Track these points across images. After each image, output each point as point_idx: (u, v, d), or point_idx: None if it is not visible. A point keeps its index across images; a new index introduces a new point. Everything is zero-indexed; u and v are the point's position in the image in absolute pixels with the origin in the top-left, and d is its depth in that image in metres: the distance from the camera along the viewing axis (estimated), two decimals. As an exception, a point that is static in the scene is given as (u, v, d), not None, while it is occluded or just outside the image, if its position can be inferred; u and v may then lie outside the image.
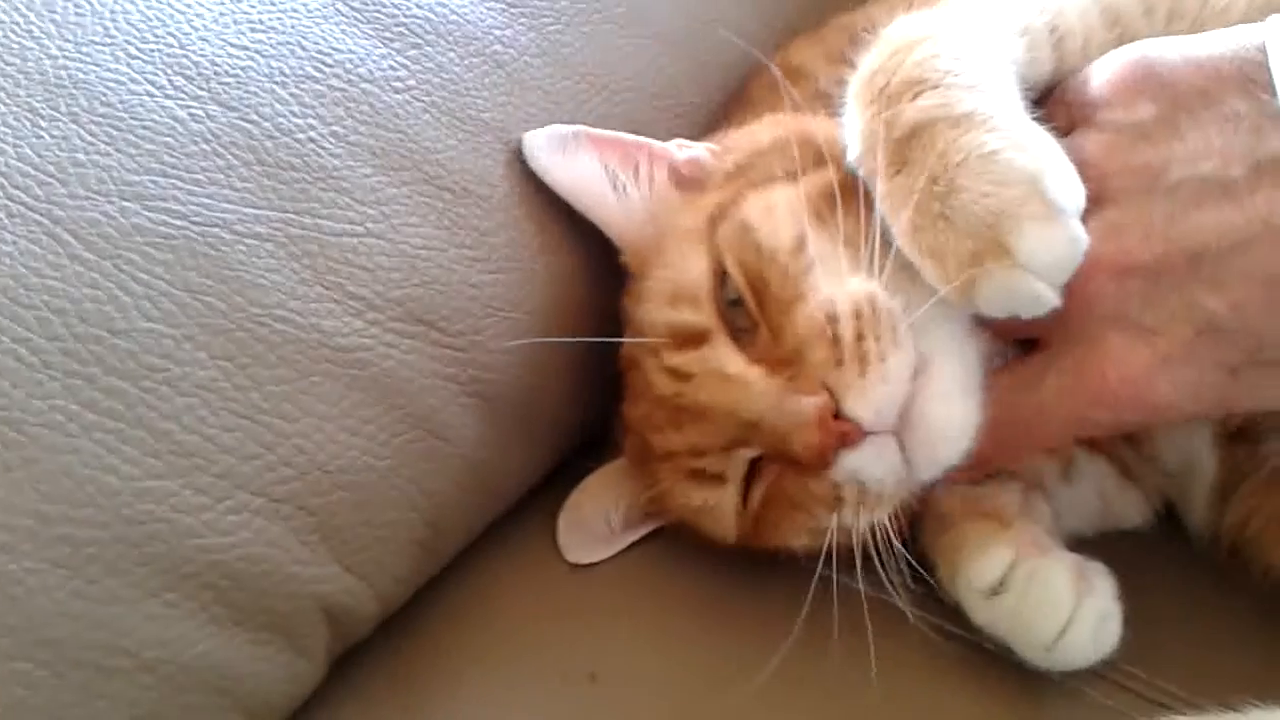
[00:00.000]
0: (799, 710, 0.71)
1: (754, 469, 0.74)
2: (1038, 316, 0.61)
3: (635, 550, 0.84)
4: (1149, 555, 0.83)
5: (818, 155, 0.73)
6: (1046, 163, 0.59)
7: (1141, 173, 0.62)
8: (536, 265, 0.79)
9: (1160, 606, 0.77)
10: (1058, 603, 0.70)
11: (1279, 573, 0.78)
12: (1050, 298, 0.59)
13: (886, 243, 0.66)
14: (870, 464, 0.67)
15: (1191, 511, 0.84)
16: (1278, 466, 0.78)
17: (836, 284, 0.68)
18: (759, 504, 0.74)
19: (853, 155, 0.66)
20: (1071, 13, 0.72)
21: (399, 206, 0.71)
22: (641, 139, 0.81)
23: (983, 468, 0.73)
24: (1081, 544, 0.77)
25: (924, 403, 0.67)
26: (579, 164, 0.80)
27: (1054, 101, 0.70)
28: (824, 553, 0.71)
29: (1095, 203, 0.63)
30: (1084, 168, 0.63)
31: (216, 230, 0.64)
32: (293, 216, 0.67)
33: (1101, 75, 0.66)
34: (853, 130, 0.67)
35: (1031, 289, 0.59)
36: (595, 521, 0.83)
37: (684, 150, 0.83)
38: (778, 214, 0.71)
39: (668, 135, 0.85)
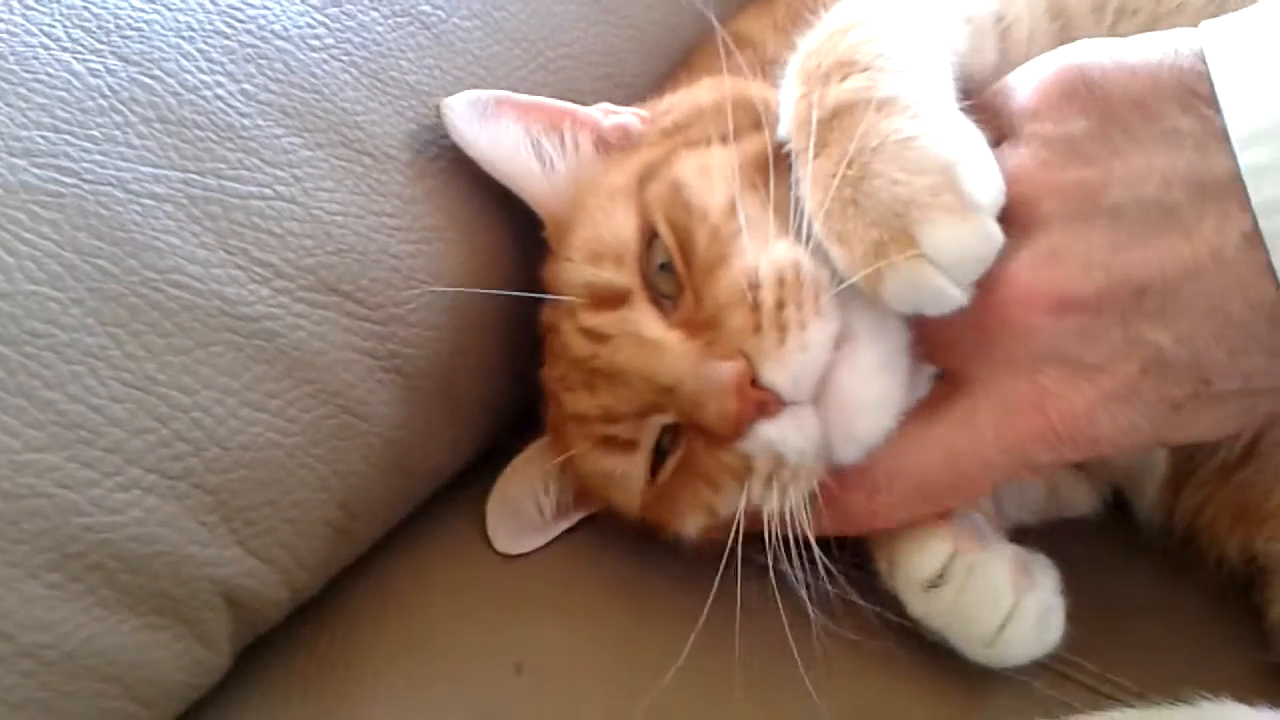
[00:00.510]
0: (726, 702, 0.68)
1: (670, 441, 0.71)
2: (944, 313, 0.59)
3: (566, 539, 0.80)
4: (1096, 545, 0.81)
5: (755, 120, 0.70)
6: (964, 153, 0.57)
7: (1076, 193, 0.57)
8: (463, 237, 0.75)
9: (1108, 597, 0.75)
10: (997, 597, 0.67)
11: (1232, 562, 0.76)
12: (956, 295, 0.57)
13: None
14: (788, 435, 0.64)
15: (1142, 501, 0.81)
16: (1228, 458, 0.76)
17: (762, 250, 0.65)
18: (667, 476, 0.71)
19: (782, 132, 0.65)
20: (1019, 1, 0.70)
21: (313, 170, 0.68)
22: (566, 104, 0.78)
23: (922, 517, 0.70)
24: (1025, 534, 0.75)
25: (844, 375, 0.64)
26: (501, 132, 0.76)
27: (983, 106, 0.67)
28: (731, 537, 0.67)
29: (1026, 226, 0.59)
30: (1013, 184, 0.59)
31: (110, 189, 0.60)
32: (195, 177, 0.63)
33: (1029, 82, 0.61)
34: (785, 108, 0.65)
35: (936, 284, 0.56)
36: (524, 506, 0.79)
37: (610, 116, 0.79)
38: (711, 175, 0.69)
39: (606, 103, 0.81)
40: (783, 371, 0.63)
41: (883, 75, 0.60)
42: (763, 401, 0.63)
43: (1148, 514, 0.81)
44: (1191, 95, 0.56)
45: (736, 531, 0.67)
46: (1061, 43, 0.64)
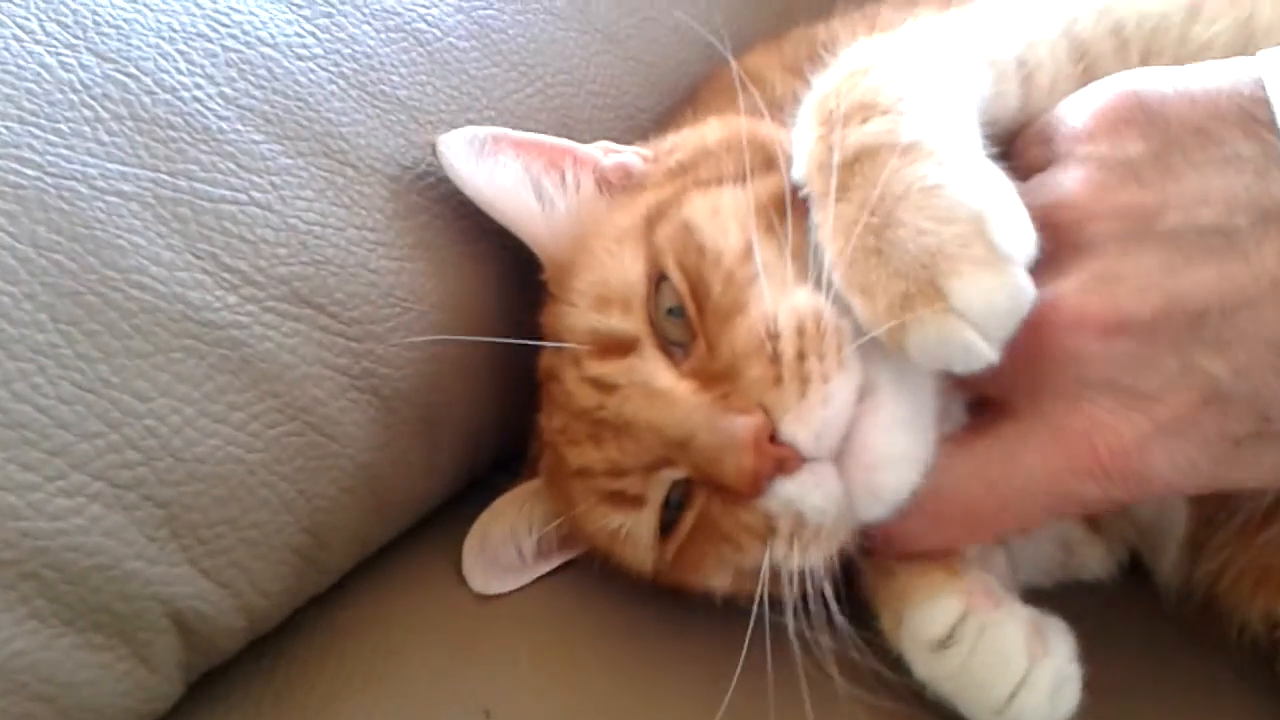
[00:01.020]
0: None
1: (682, 496, 0.67)
2: (976, 371, 0.55)
3: (547, 580, 0.76)
4: (1111, 609, 0.77)
5: (769, 160, 0.67)
6: (995, 203, 0.54)
7: (1131, 215, 0.56)
8: (448, 256, 0.72)
9: (1122, 664, 0.69)
10: (1010, 662, 0.63)
11: (1253, 630, 0.71)
12: (985, 352, 0.53)
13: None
14: (808, 493, 0.60)
15: (1161, 564, 0.77)
16: (1251, 517, 0.71)
17: (781, 297, 0.62)
18: (684, 535, 0.67)
19: (798, 175, 0.62)
20: (1042, 46, 0.67)
21: (291, 178, 0.65)
22: (566, 142, 0.75)
23: (953, 549, 0.66)
24: (1039, 597, 0.70)
25: (868, 431, 0.60)
26: (499, 170, 0.72)
27: (1022, 140, 0.64)
28: (757, 597, 0.63)
29: (1075, 249, 0.57)
30: (1062, 208, 0.57)
31: (74, 184, 0.58)
32: (165, 177, 0.61)
33: (1084, 107, 0.60)
34: (800, 151, 0.62)
35: (965, 340, 0.53)
36: (504, 548, 0.75)
37: (610, 155, 0.76)
38: (724, 216, 0.65)
39: (606, 136, 0.79)
40: (804, 427, 0.59)
41: (906, 119, 0.57)
42: (782, 458, 0.59)
43: (1166, 578, 0.76)
44: (1252, 120, 0.54)
45: (760, 594, 0.63)
46: (1085, 84, 0.62)
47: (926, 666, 0.65)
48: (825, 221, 0.58)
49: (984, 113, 0.63)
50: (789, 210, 0.64)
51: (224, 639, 0.63)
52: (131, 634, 0.58)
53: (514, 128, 0.75)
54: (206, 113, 0.64)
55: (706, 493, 0.65)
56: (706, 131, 0.77)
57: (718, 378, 0.62)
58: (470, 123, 0.74)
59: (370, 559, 0.74)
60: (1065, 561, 0.79)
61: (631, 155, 0.76)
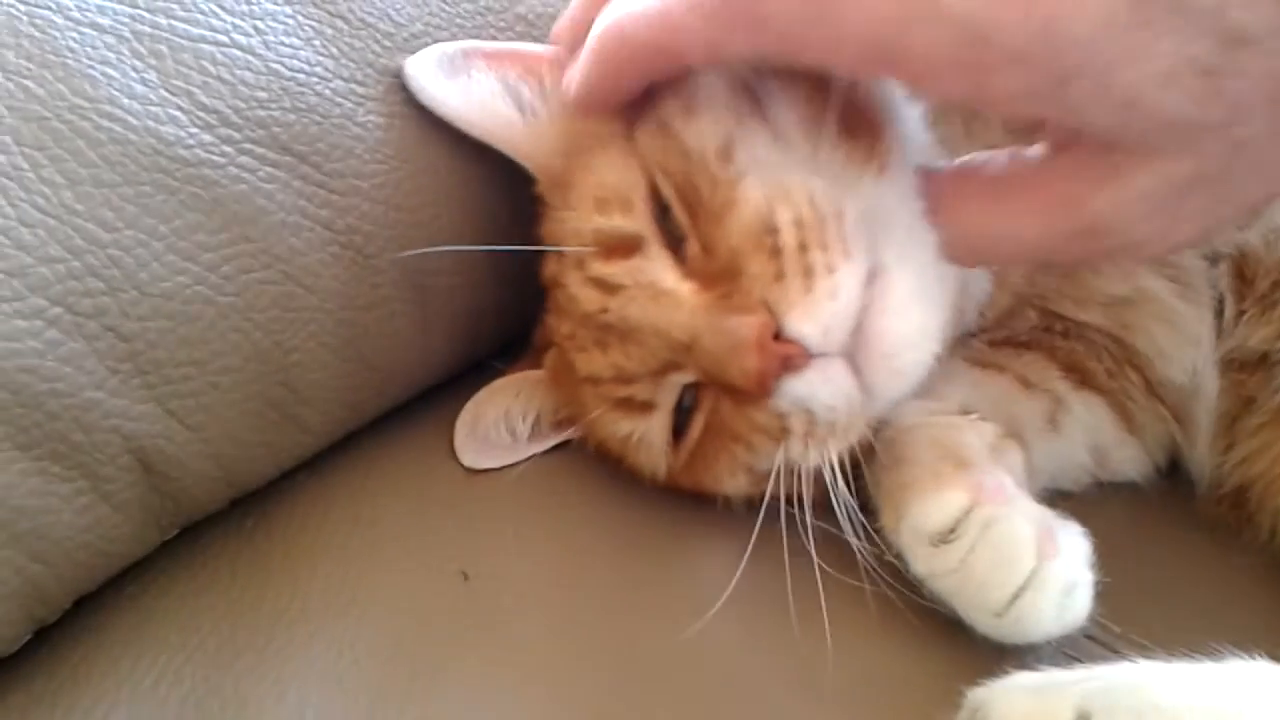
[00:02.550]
0: (670, 633, 0.61)
1: (693, 399, 0.65)
2: None
3: (543, 459, 0.75)
4: (1136, 519, 0.73)
5: None
6: None
7: None
8: (441, 122, 0.70)
9: (1143, 566, 0.66)
10: (1014, 559, 0.58)
11: None
12: None
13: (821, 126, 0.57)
14: (819, 390, 0.58)
15: (1196, 449, 0.72)
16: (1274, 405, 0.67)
17: (774, 183, 0.58)
18: (696, 437, 0.65)
19: None
20: None
21: (276, 24, 0.64)
22: (542, 48, 0.71)
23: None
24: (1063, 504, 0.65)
25: (879, 317, 0.57)
26: (474, 86, 0.69)
27: None
28: (769, 495, 0.61)
29: None
30: None
31: (48, 13, 0.58)
32: (144, 14, 0.60)
33: None
34: None
35: None
36: (496, 429, 0.74)
37: None
38: (699, 110, 0.61)
39: None
40: (811, 322, 0.56)
41: None
42: (787, 356, 0.57)
43: (1201, 465, 0.71)
44: None
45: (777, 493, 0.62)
46: None
47: (925, 561, 0.61)
48: None
49: None
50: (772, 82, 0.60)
51: (197, 487, 0.62)
52: (91, 467, 0.57)
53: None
54: (192, -46, 0.62)
55: (716, 394, 0.63)
56: None
57: (719, 277, 0.59)
58: (469, -22, 0.71)
59: (362, 431, 0.73)
60: (1098, 465, 0.75)
61: None
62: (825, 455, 0.60)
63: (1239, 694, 0.51)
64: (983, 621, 0.59)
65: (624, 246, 0.62)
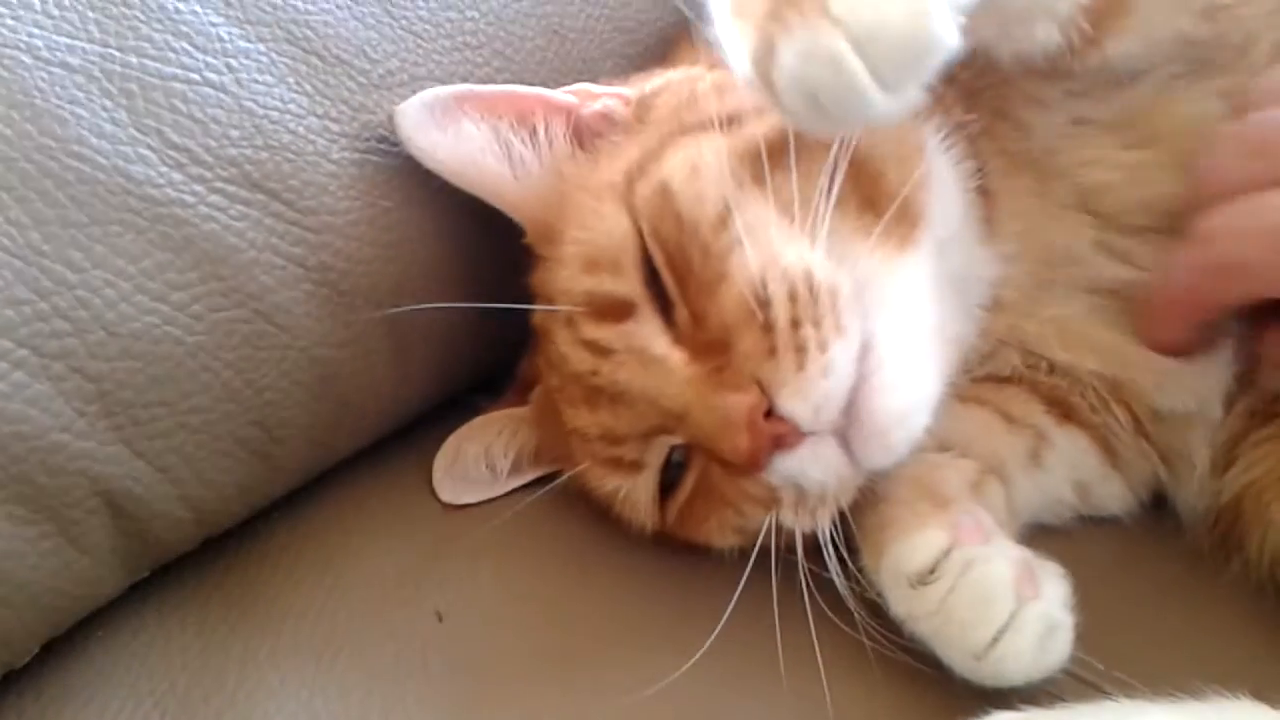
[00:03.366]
0: (655, 679, 0.59)
1: (683, 455, 0.64)
2: (855, 120, 0.45)
3: (521, 494, 0.74)
4: (1119, 552, 0.72)
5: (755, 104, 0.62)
6: None
7: None
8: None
9: (1125, 599, 0.66)
10: (994, 601, 0.57)
11: (1274, 541, 0.65)
12: (868, 89, 0.42)
13: (827, 196, 0.56)
14: (809, 468, 0.57)
15: (1181, 485, 0.71)
16: None
17: (769, 256, 0.57)
18: (685, 496, 0.64)
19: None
20: None
21: (250, 62, 0.64)
22: (537, 91, 0.70)
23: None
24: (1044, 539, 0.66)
25: (873, 395, 0.57)
26: (465, 138, 0.68)
27: None
28: (756, 549, 0.61)
29: None
30: None
31: (17, 53, 0.57)
32: (115, 53, 0.60)
33: None
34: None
35: (837, 56, 0.42)
36: (477, 466, 0.73)
37: (589, 102, 0.71)
38: (703, 175, 0.60)
39: (602, 49, 0.77)
40: (803, 401, 0.55)
41: None
42: (779, 435, 0.56)
43: (1187, 497, 0.70)
44: None
45: (772, 539, 0.62)
46: None
47: (905, 603, 0.60)
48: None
49: None
50: (769, 155, 0.59)
51: (166, 529, 0.62)
52: (57, 510, 0.57)
53: (498, 34, 0.73)
54: (164, -6, 0.62)
55: (705, 458, 0.62)
56: (694, 71, 0.72)
57: (710, 348, 0.58)
58: (450, 22, 0.72)
59: (336, 467, 0.72)
60: (1080, 501, 0.74)
61: (611, 99, 0.71)
62: (815, 523, 0.60)
63: (1219, 733, 0.50)
64: (962, 664, 0.58)
65: (615, 310, 0.61)
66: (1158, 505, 0.74)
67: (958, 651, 0.58)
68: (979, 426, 0.71)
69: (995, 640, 0.57)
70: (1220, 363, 0.67)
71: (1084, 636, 0.59)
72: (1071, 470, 0.73)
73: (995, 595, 0.57)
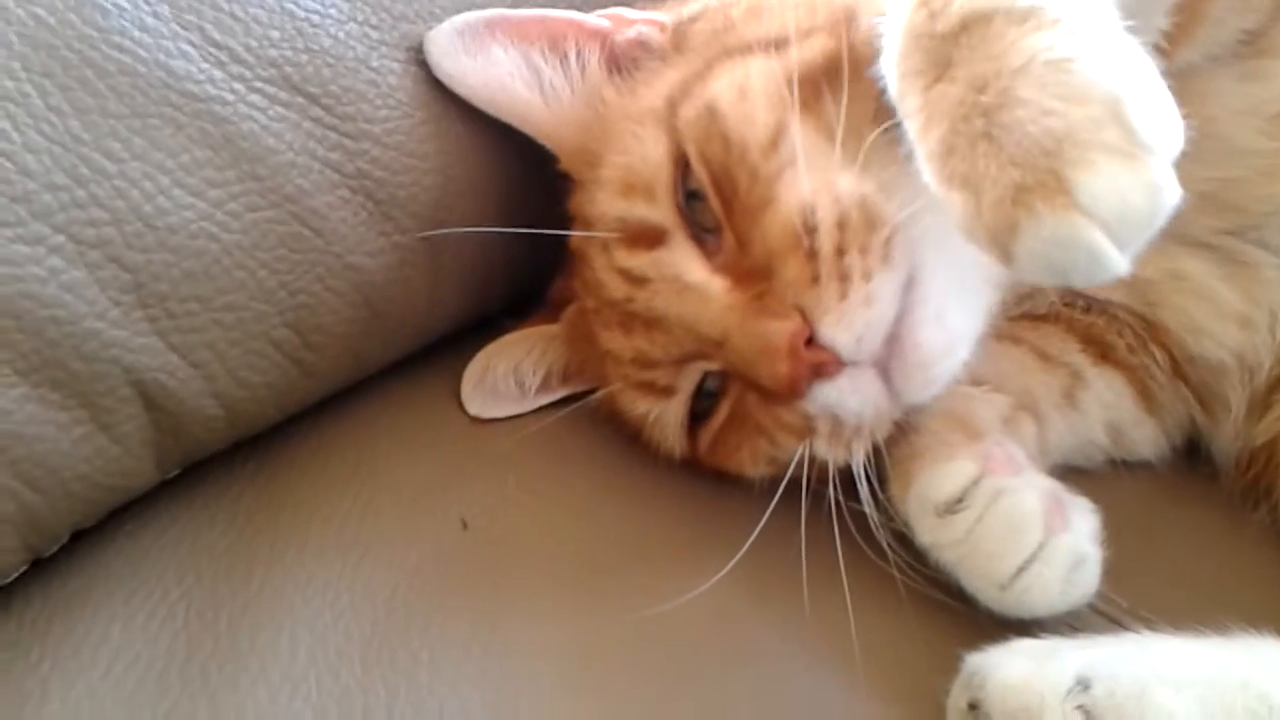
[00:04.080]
0: (677, 594, 0.59)
1: (718, 385, 0.64)
2: (1095, 284, 0.47)
3: (543, 413, 0.74)
4: (1149, 496, 0.71)
5: (818, 20, 0.62)
6: (1135, 82, 0.44)
7: None
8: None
9: (1154, 542, 0.65)
10: (1022, 531, 0.57)
11: None
12: (1115, 262, 0.43)
13: (881, 127, 0.55)
14: (848, 398, 0.57)
15: (1218, 431, 0.70)
16: None
17: (820, 182, 0.57)
18: (719, 425, 0.64)
19: (887, 50, 0.51)
20: None
21: (292, -36, 0.63)
22: (570, 14, 0.69)
23: None
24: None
25: (914, 326, 0.56)
26: (494, 64, 0.68)
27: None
28: (787, 479, 0.61)
29: None
30: None
31: (61, -58, 0.57)
32: (159, -53, 0.59)
33: None
34: (890, 20, 0.52)
35: (1091, 244, 0.43)
36: (506, 381, 0.73)
37: (624, 28, 0.70)
38: (752, 98, 0.60)
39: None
40: (845, 330, 0.55)
41: None
42: (820, 363, 0.56)
43: (1222, 442, 0.69)
44: None
45: (804, 470, 0.61)
46: None
47: (932, 532, 0.59)
48: (919, 109, 0.48)
49: None
50: (830, 78, 0.58)
51: (198, 425, 0.62)
52: (91, 398, 0.57)
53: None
54: (208, -109, 0.62)
55: (742, 386, 0.62)
56: None
57: (752, 275, 0.58)
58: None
59: (368, 380, 0.73)
60: (1113, 443, 0.73)
61: (646, 26, 0.70)
62: (850, 455, 0.60)
63: (1243, 666, 0.50)
64: (987, 594, 0.58)
65: (648, 236, 0.61)
66: (1190, 451, 0.73)
67: (983, 581, 0.58)
68: (1014, 364, 0.70)
69: (1021, 570, 0.57)
70: (1266, 320, 0.67)
71: (1108, 574, 0.59)
72: (1105, 411, 0.72)
73: (1024, 525, 0.57)
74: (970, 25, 0.48)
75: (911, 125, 0.49)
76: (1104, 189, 0.42)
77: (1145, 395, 0.73)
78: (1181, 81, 0.60)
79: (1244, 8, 0.61)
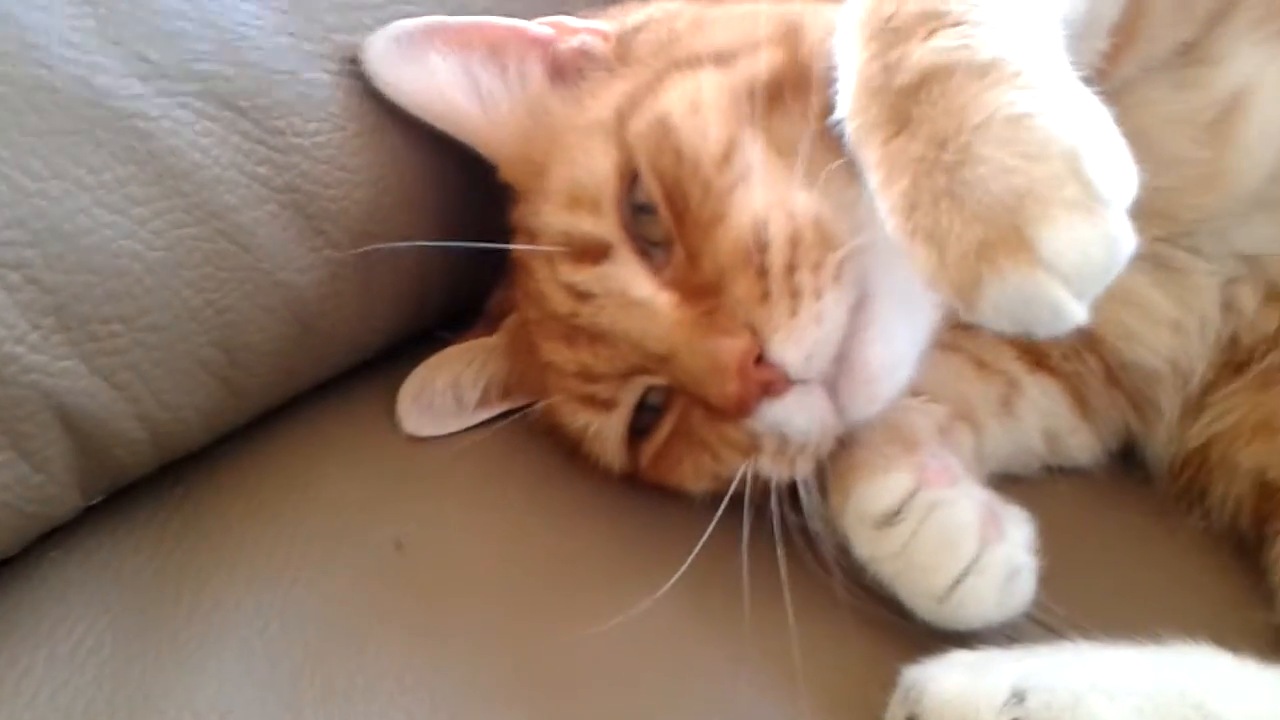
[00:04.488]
0: (615, 614, 0.59)
1: (661, 400, 0.64)
2: (1057, 334, 0.47)
3: (480, 428, 0.73)
4: (1083, 502, 0.72)
5: (761, 34, 0.62)
6: (1092, 136, 0.45)
7: None
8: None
9: (1089, 551, 0.66)
10: (957, 544, 0.57)
11: (1237, 493, 0.66)
12: (1075, 313, 0.45)
13: (833, 146, 0.54)
14: (795, 416, 0.57)
15: (1152, 437, 0.71)
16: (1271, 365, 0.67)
17: (773, 198, 0.57)
18: (661, 440, 0.64)
19: (842, 108, 0.51)
20: None
21: (220, -25, 0.62)
22: (512, 22, 0.68)
23: None
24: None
25: (863, 346, 0.57)
26: (432, 72, 0.67)
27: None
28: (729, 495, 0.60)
29: None
30: None
31: (-21, -43, 0.55)
32: (83, -38, 0.58)
33: None
34: (846, 72, 0.52)
35: (1054, 299, 0.44)
36: (444, 396, 0.72)
37: (567, 36, 0.69)
38: (705, 111, 0.59)
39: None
40: (795, 348, 0.55)
41: (982, 31, 0.48)
42: (768, 381, 0.56)
43: (1156, 448, 0.71)
44: None
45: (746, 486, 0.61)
46: None
47: (869, 545, 0.60)
48: (880, 162, 0.49)
49: (1070, 22, 0.54)
50: (784, 93, 0.59)
51: (123, 450, 0.61)
52: (11, 424, 0.55)
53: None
54: (132, -96, 0.61)
55: (686, 401, 0.62)
56: (671, 6, 0.70)
57: (701, 291, 0.58)
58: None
59: (301, 397, 0.72)
60: (1049, 451, 0.74)
61: (589, 35, 0.69)
62: (793, 471, 0.60)
63: (1179, 675, 0.50)
64: (925, 607, 0.58)
65: (593, 251, 0.61)
66: (1125, 456, 0.74)
67: (920, 594, 0.58)
68: (951, 371, 0.71)
69: (957, 582, 0.57)
70: (1198, 325, 0.68)
71: (1045, 582, 0.59)
72: (1042, 418, 0.73)
73: (959, 538, 0.58)
74: (930, 79, 0.48)
75: (872, 177, 0.49)
76: (1065, 245, 0.44)
77: (1080, 402, 0.74)
78: (1117, 93, 0.62)
79: (1180, 20, 0.62)
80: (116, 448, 0.60)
